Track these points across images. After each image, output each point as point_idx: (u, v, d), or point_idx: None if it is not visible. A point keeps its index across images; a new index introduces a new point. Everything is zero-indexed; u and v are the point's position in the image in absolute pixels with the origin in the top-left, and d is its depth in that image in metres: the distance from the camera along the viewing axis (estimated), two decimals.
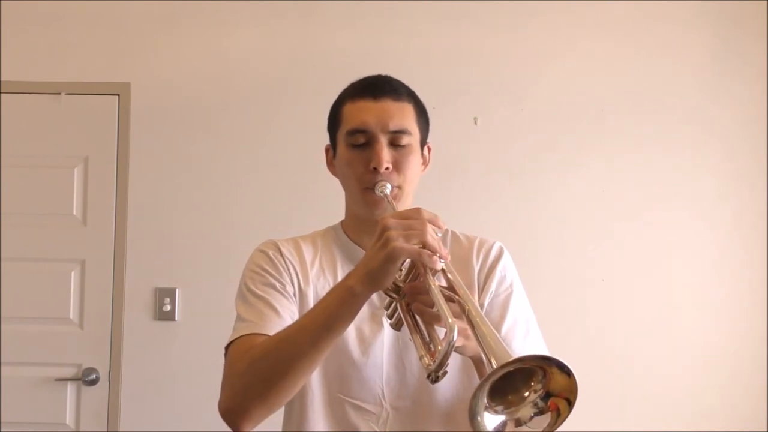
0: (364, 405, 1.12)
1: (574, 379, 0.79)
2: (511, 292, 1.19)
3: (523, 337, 1.16)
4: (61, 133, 2.71)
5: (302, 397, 1.13)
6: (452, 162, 2.65)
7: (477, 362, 1.08)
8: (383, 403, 1.13)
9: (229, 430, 1.06)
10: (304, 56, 2.74)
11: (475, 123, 2.72)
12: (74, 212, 2.70)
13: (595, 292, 2.66)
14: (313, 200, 2.50)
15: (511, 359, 0.79)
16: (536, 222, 2.68)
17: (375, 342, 1.14)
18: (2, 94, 2.70)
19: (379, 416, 1.12)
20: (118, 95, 2.73)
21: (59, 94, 2.72)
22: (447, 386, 1.11)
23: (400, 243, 0.93)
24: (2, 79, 2.71)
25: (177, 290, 2.67)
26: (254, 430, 1.05)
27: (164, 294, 2.66)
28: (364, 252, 1.17)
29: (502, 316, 1.16)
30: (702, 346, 2.64)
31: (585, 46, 2.75)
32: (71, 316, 2.66)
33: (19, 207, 2.68)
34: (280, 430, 1.21)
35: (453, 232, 1.26)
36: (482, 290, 1.18)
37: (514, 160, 2.71)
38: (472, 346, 0.95)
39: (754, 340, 2.63)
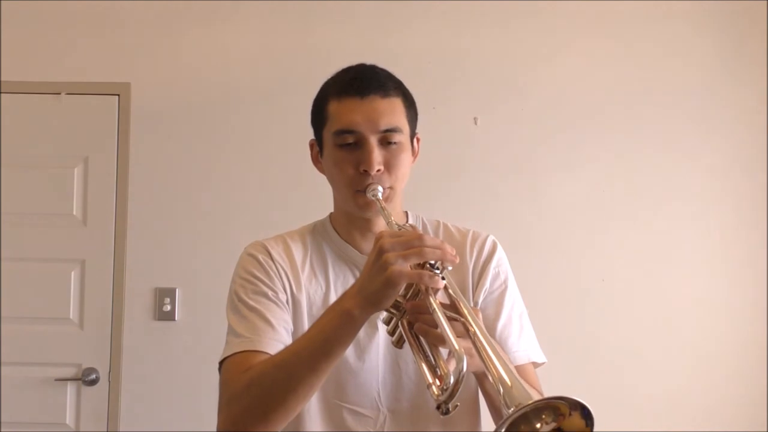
0: (361, 410, 1.11)
1: (591, 429, 0.76)
2: (505, 288, 1.18)
3: (517, 335, 1.16)
4: (61, 133, 2.71)
5: None
6: (452, 162, 2.66)
7: (479, 376, 1.06)
8: (380, 406, 1.12)
9: None
10: (304, 56, 2.74)
11: (475, 123, 2.72)
12: (74, 212, 2.70)
13: (595, 292, 2.66)
14: (313, 200, 2.46)
15: (533, 401, 0.74)
16: (536, 222, 2.68)
17: (370, 346, 1.13)
18: (2, 94, 2.70)
19: (377, 420, 1.11)
20: (118, 95, 2.73)
21: (59, 94, 2.72)
22: None
23: (399, 266, 0.88)
24: (2, 79, 2.71)
25: (177, 290, 2.67)
26: None
27: (164, 294, 2.66)
28: (354, 250, 1.17)
29: (497, 314, 1.16)
30: (702, 346, 2.63)
31: (585, 45, 2.75)
32: (71, 316, 2.66)
33: (19, 207, 2.68)
34: None
35: (444, 224, 1.24)
36: (476, 287, 1.17)
37: (514, 159, 2.71)
38: (476, 362, 0.91)
39: (754, 340, 2.63)
